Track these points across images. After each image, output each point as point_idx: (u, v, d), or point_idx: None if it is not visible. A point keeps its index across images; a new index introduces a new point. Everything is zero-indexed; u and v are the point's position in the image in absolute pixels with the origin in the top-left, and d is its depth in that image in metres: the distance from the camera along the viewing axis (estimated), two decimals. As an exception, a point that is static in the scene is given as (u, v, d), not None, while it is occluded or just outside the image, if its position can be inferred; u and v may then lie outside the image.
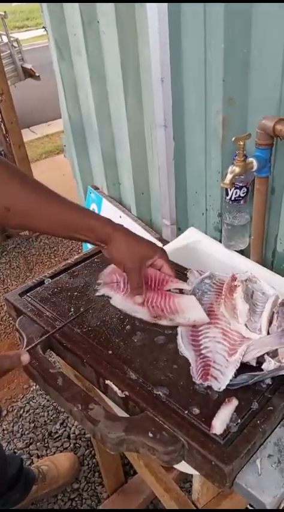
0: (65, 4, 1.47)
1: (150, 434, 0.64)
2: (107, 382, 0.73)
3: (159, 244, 0.97)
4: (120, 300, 0.88)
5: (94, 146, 1.69)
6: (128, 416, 0.71)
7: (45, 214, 0.80)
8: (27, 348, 0.76)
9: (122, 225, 0.87)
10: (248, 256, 1.12)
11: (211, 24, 0.95)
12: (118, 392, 0.72)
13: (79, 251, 2.76)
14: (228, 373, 0.70)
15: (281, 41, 0.85)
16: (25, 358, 0.69)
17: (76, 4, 1.37)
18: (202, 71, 1.03)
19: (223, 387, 0.69)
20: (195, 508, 0.80)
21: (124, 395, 0.71)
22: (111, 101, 1.47)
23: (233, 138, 0.88)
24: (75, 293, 0.93)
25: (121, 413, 0.73)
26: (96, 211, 1.78)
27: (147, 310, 0.85)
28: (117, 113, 1.45)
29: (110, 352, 0.78)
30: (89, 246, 1.66)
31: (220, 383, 0.70)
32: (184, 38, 1.05)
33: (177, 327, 0.82)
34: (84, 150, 1.80)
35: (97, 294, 0.92)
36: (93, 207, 1.79)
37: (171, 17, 1.03)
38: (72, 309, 0.88)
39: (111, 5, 1.23)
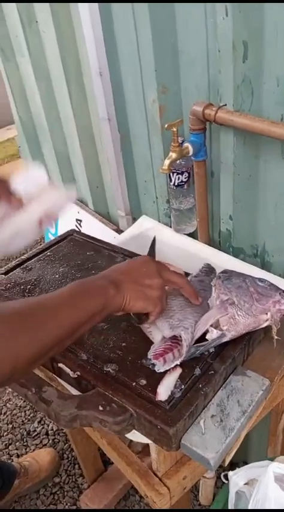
0: (3, 4, 1.49)
1: (100, 408, 0.68)
2: (60, 365, 0.77)
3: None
4: None
5: (47, 145, 1.71)
6: (80, 394, 0.75)
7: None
8: None
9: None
10: (197, 238, 1.17)
11: (140, 16, 0.99)
12: (71, 373, 0.75)
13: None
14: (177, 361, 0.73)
15: (204, 30, 0.90)
16: None
17: (14, 4, 1.38)
18: (137, 62, 1.07)
19: (162, 370, 0.72)
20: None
21: (76, 376, 0.75)
22: (58, 98, 1.50)
23: (166, 125, 0.92)
24: (29, 286, 0.96)
25: (77, 394, 0.77)
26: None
27: None
28: (64, 110, 1.48)
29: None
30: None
31: (164, 367, 0.72)
32: (117, 31, 1.09)
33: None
34: (38, 150, 1.81)
35: None
36: (51, 205, 1.81)
37: (103, 11, 1.07)
38: (25, 301, 0.91)
39: (47, 4, 1.25)
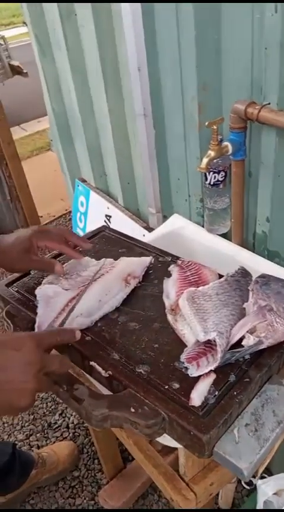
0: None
1: (132, 410, 0.67)
2: (92, 363, 0.76)
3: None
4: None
5: (80, 139, 1.71)
6: (112, 394, 0.74)
7: None
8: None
9: None
10: (230, 239, 1.15)
11: (183, 12, 0.97)
12: (102, 372, 0.74)
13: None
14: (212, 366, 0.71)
15: (249, 27, 0.87)
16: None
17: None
18: (177, 59, 1.05)
19: (196, 375, 0.70)
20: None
21: (107, 375, 0.74)
22: (93, 93, 1.49)
23: (206, 123, 0.90)
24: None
25: (107, 393, 0.76)
26: (84, 203, 1.80)
27: None
28: (99, 105, 1.47)
29: (94, 335, 0.81)
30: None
31: (198, 371, 0.70)
32: (158, 26, 1.07)
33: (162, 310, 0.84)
34: (70, 144, 1.82)
35: None
36: (81, 199, 1.82)
37: (144, 7, 1.05)
38: (57, 296, 0.90)
39: (87, -2, 1.25)
